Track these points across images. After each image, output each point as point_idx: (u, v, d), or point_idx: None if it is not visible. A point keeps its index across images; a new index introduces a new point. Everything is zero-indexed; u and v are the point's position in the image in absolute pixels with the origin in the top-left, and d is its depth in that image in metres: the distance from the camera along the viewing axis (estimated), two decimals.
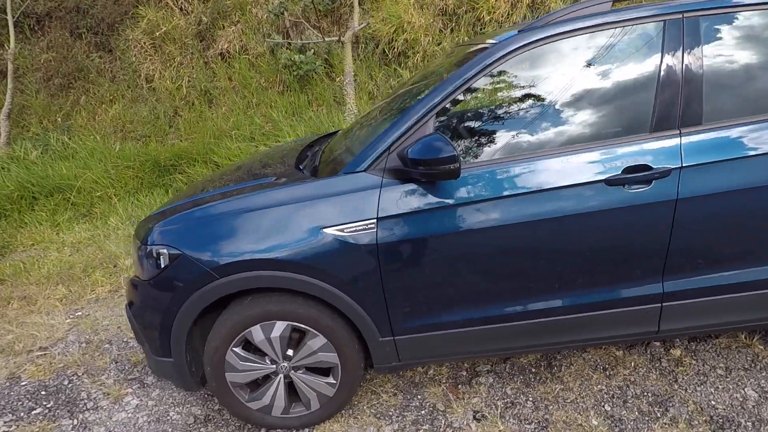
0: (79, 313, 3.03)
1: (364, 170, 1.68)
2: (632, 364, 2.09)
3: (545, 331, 1.76)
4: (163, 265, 1.75)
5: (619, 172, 1.58)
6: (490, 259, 1.67)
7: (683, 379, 1.98)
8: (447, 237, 1.62)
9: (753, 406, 1.82)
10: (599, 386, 2.00)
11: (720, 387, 1.92)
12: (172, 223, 1.80)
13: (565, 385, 2.02)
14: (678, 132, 1.61)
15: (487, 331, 1.75)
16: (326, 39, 5.49)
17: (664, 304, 1.70)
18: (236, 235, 1.70)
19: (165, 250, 1.74)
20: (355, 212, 1.64)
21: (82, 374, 2.42)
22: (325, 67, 5.89)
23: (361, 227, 1.63)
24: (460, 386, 2.09)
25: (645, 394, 1.93)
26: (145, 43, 6.19)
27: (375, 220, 1.63)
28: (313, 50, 5.77)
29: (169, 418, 2.08)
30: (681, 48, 1.60)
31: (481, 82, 1.67)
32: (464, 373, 2.16)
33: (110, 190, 5.09)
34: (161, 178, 5.28)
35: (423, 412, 1.98)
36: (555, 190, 1.59)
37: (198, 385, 1.92)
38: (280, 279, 1.68)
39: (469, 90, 1.67)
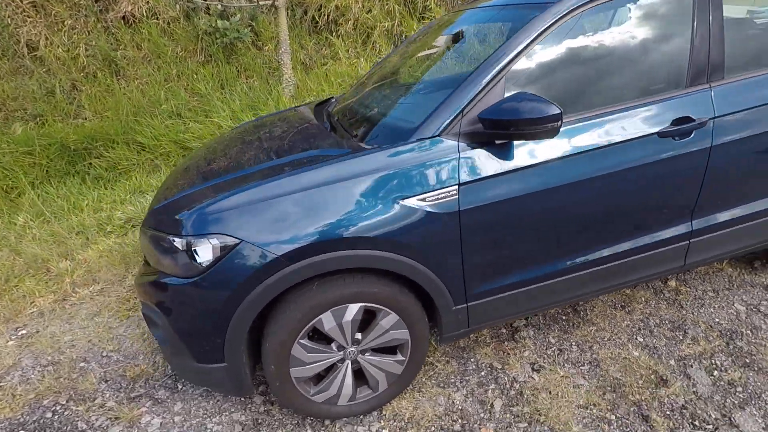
0: (24, 332, 2.46)
1: (438, 135, 1.57)
2: (642, 299, 2.34)
3: (599, 278, 1.86)
4: (212, 258, 1.48)
5: (669, 125, 1.70)
6: (564, 215, 1.70)
7: (686, 305, 2.27)
8: (528, 197, 1.61)
9: (746, 317, 2.17)
10: (625, 322, 2.20)
11: (716, 306, 2.25)
12: (220, 207, 1.51)
13: (596, 326, 2.19)
14: (708, 86, 1.77)
15: (550, 285, 1.80)
16: (260, 2, 4.99)
17: (691, 240, 1.92)
18: (305, 214, 1.49)
19: (216, 240, 1.47)
20: (435, 180, 1.54)
21: (67, 401, 1.98)
22: (250, 36, 5.37)
23: (443, 195, 1.54)
24: (505, 343, 2.15)
25: (663, 322, 2.18)
26: (22, 1, 5.02)
27: (457, 187, 1.55)
28: (238, 16, 5.21)
29: (209, 431, 1.81)
30: (708, 8, 1.75)
31: (549, 39, 1.64)
32: (504, 331, 2.22)
33: (4, 182, 4.14)
34: (72, 165, 4.43)
35: (482, 373, 1.99)
36: (621, 144, 1.67)
37: (253, 388, 1.70)
38: (359, 258, 1.53)
39: (537, 46, 1.63)
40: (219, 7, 5.16)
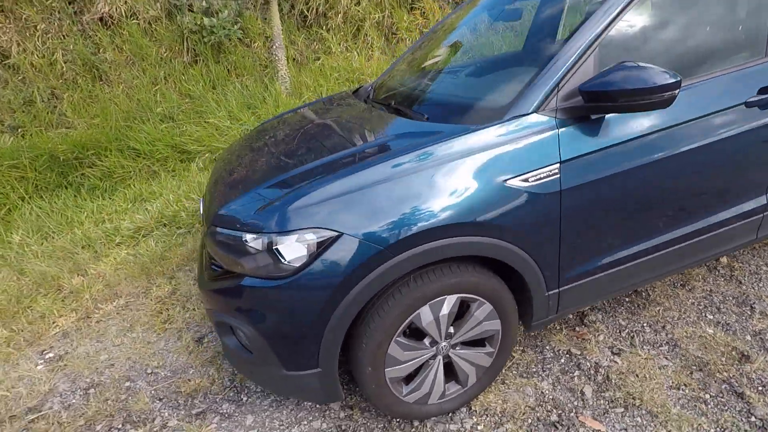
0: (51, 355, 2.27)
1: (534, 111, 1.53)
2: (699, 276, 2.37)
3: (686, 254, 1.86)
4: (307, 254, 1.38)
5: (755, 93, 1.72)
6: (659, 190, 1.69)
7: (744, 280, 2.31)
8: (628, 172, 1.59)
9: None
10: (689, 300, 2.22)
11: None
12: (313, 199, 1.41)
13: (662, 305, 2.20)
14: None
15: (639, 264, 1.79)
16: None
17: (765, 213, 1.94)
18: (407, 201, 1.41)
19: (312, 235, 1.37)
20: (537, 158, 1.50)
21: (123, 425, 1.82)
22: (239, 33, 5.21)
23: (545, 174, 1.50)
24: (576, 329, 2.12)
25: (727, 298, 2.21)
26: None
27: (558, 165, 1.51)
28: (226, 12, 5.04)
29: None
30: None
31: (638, 7, 1.61)
32: (572, 317, 2.19)
33: None
34: (64, 177, 4.16)
35: (562, 360, 1.96)
36: (714, 114, 1.67)
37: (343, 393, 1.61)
38: (463, 246, 1.46)
39: (628, 13, 1.60)
40: (203, 4, 4.97)
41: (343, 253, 1.37)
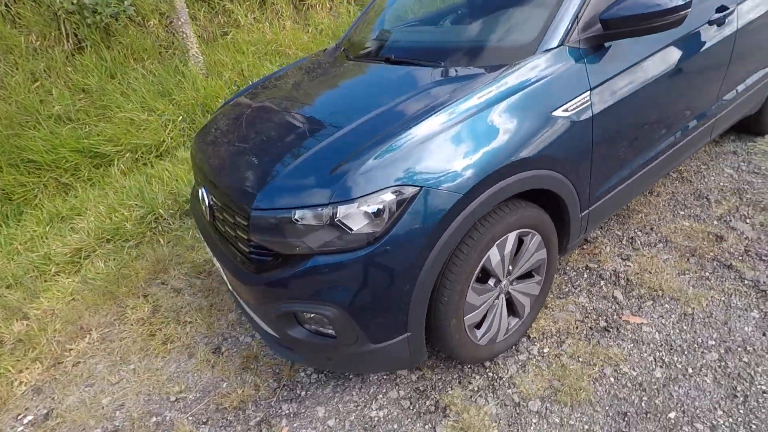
0: (31, 417, 1.89)
1: (562, 44, 1.59)
2: (659, 184, 2.73)
3: (673, 158, 2.14)
4: (388, 216, 1.31)
5: (713, 13, 1.98)
6: (664, 100, 1.89)
7: (693, 179, 2.73)
8: (637, 92, 1.75)
9: (738, 177, 2.69)
10: (661, 204, 2.56)
11: (714, 175, 2.74)
12: (381, 160, 1.33)
13: (642, 212, 2.51)
14: None
15: (642, 175, 2.00)
16: None
17: (717, 116, 2.30)
18: (471, 145, 1.40)
19: (392, 195, 1.30)
20: (572, 88, 1.58)
21: None
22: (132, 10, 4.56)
23: (581, 101, 1.59)
24: (584, 246, 2.33)
25: (687, 196, 2.59)
26: None
27: (589, 92, 1.61)
28: None
29: (376, 420, 1.65)
30: None
31: None
32: None
33: None
34: None
35: (585, 275, 2.15)
36: (689, 34, 1.90)
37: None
38: (526, 180, 1.51)
39: None
40: None
41: (425, 207, 1.33)
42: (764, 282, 1.98)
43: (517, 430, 1.55)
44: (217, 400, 1.81)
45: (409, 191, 1.31)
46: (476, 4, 2.12)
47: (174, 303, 2.38)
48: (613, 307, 1.97)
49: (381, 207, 1.30)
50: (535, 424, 1.56)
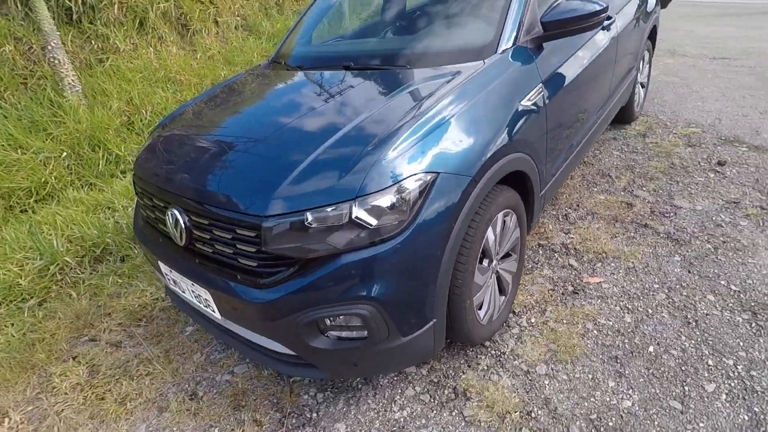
0: None
1: (515, 45, 1.81)
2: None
3: (593, 139, 2.51)
4: (411, 204, 1.34)
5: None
6: (586, 92, 2.23)
7: (593, 161, 3.23)
8: (572, 82, 2.05)
9: (624, 156, 3.26)
10: (575, 184, 2.97)
11: (607, 157, 3.28)
12: (399, 150, 1.35)
13: (565, 193, 2.89)
14: None
15: (575, 154, 2.33)
16: None
17: (612, 105, 2.78)
18: (471, 132, 1.51)
19: (414, 183, 1.33)
20: (530, 81, 1.81)
21: None
22: None
23: (536, 92, 1.82)
24: None
25: (594, 175, 3.06)
26: None
27: (541, 84, 1.85)
28: None
29: (401, 421, 1.61)
30: None
31: None
32: None
33: None
34: None
35: (541, 251, 2.40)
36: (596, 34, 2.29)
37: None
38: (515, 162, 1.67)
39: None
40: None
41: (443, 192, 1.38)
42: (674, 233, 2.42)
43: (535, 394, 1.65)
44: None
45: (429, 177, 1.36)
46: (420, 14, 2.29)
47: (116, 358, 2.03)
48: (573, 273, 2.22)
49: (404, 196, 1.32)
50: (548, 385, 1.68)
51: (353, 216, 1.27)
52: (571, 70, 2.08)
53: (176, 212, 1.52)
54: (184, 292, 1.67)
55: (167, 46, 4.97)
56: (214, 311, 1.56)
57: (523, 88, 1.76)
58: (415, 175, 1.34)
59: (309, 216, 1.27)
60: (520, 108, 1.71)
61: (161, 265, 1.69)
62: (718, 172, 2.99)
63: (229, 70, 5.00)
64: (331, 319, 1.37)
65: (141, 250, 1.97)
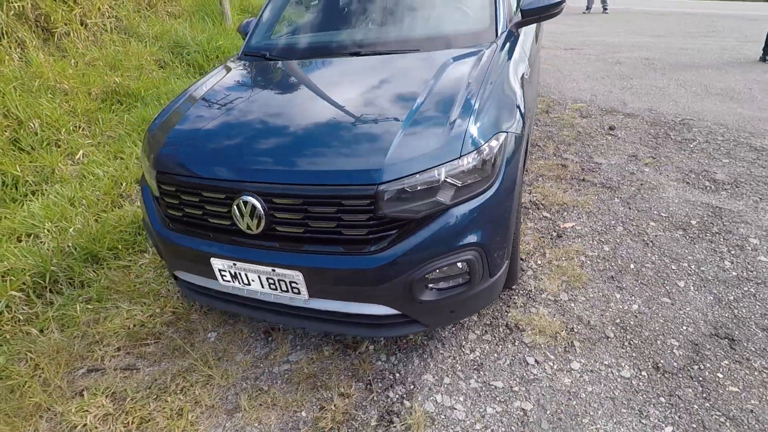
0: None
1: (506, 29, 2.16)
2: None
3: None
4: (496, 158, 1.56)
5: None
6: (534, 66, 2.66)
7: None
8: (533, 57, 2.47)
9: (542, 129, 3.89)
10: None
11: None
12: (483, 114, 1.58)
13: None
14: None
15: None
16: None
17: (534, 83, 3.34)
18: (513, 94, 1.83)
19: (495, 141, 1.56)
20: (522, 58, 2.16)
21: None
22: None
23: (526, 68, 2.19)
24: None
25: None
26: None
27: (527, 61, 2.27)
28: None
29: (476, 358, 1.82)
30: None
31: None
32: None
33: None
34: None
35: None
36: None
37: None
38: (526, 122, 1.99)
39: None
40: None
41: (510, 148, 1.63)
42: (606, 182, 3.04)
43: (569, 317, 2.00)
44: (317, 428, 1.59)
45: (501, 137, 1.59)
46: (403, 5, 2.49)
47: (139, 381, 1.84)
48: (550, 222, 2.66)
49: (492, 153, 1.53)
50: (574, 307, 2.04)
51: (457, 173, 1.44)
52: (531, 51, 2.51)
53: (251, 199, 1.49)
54: (250, 283, 1.62)
55: (31, 52, 4.30)
56: (298, 293, 1.56)
57: (521, 64, 2.10)
58: (495, 134, 1.56)
59: (419, 178, 1.40)
60: (523, 79, 2.05)
61: (216, 261, 1.61)
62: (612, 134, 3.78)
63: (123, 75, 4.51)
64: (440, 270, 1.51)
65: (166, 253, 1.81)
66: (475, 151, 1.48)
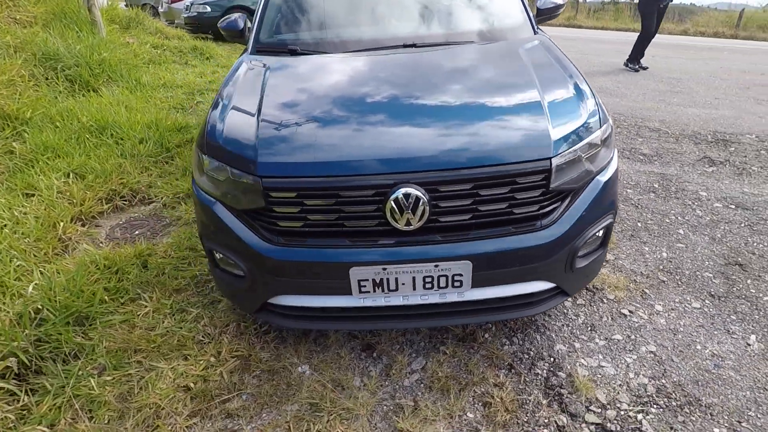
0: None
1: (534, 26, 2.38)
2: None
3: None
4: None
5: None
6: None
7: None
8: None
9: None
10: None
11: None
12: (591, 90, 1.76)
13: None
14: None
15: None
16: None
17: None
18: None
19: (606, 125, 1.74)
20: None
21: None
22: None
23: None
24: None
25: None
26: None
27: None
28: None
29: (600, 320, 1.97)
30: None
31: None
32: None
33: None
34: None
35: None
36: None
37: None
38: None
39: None
40: None
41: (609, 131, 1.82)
42: None
43: (625, 272, 2.29)
44: (496, 423, 1.54)
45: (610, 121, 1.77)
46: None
47: (270, 422, 1.53)
48: None
49: (610, 127, 1.71)
50: (623, 264, 2.35)
51: (599, 141, 1.58)
52: None
53: (413, 191, 1.40)
54: (398, 288, 1.49)
55: None
56: (460, 286, 1.50)
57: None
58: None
59: (580, 147, 1.51)
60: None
61: (357, 270, 1.45)
62: None
63: None
64: (591, 236, 1.61)
65: (267, 277, 1.54)
66: (606, 123, 1.64)
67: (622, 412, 1.56)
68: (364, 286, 1.49)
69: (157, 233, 2.71)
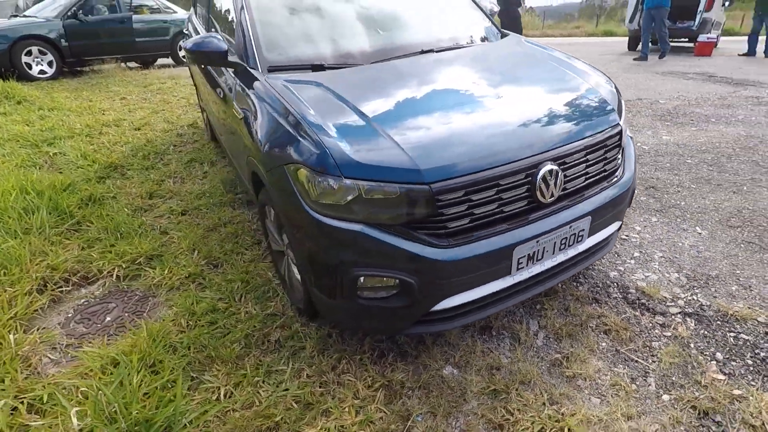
0: None
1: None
2: None
3: None
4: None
5: None
6: None
7: None
8: None
9: None
10: None
11: None
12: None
13: None
14: None
15: None
16: None
17: None
18: None
19: None
20: None
21: None
22: None
23: None
24: None
25: None
26: None
27: None
28: None
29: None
30: None
31: None
32: None
33: None
34: None
35: None
36: None
37: None
38: None
39: None
40: None
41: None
42: None
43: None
44: (663, 365, 1.91)
45: None
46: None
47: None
48: None
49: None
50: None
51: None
52: None
53: (552, 167, 1.65)
54: (543, 256, 1.72)
55: None
56: (581, 240, 1.80)
57: None
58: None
59: (623, 118, 1.99)
60: None
61: (519, 249, 1.63)
62: None
63: None
64: None
65: (438, 284, 1.57)
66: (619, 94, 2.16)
67: (686, 298, 2.12)
68: (521, 262, 1.67)
69: (141, 311, 2.23)
